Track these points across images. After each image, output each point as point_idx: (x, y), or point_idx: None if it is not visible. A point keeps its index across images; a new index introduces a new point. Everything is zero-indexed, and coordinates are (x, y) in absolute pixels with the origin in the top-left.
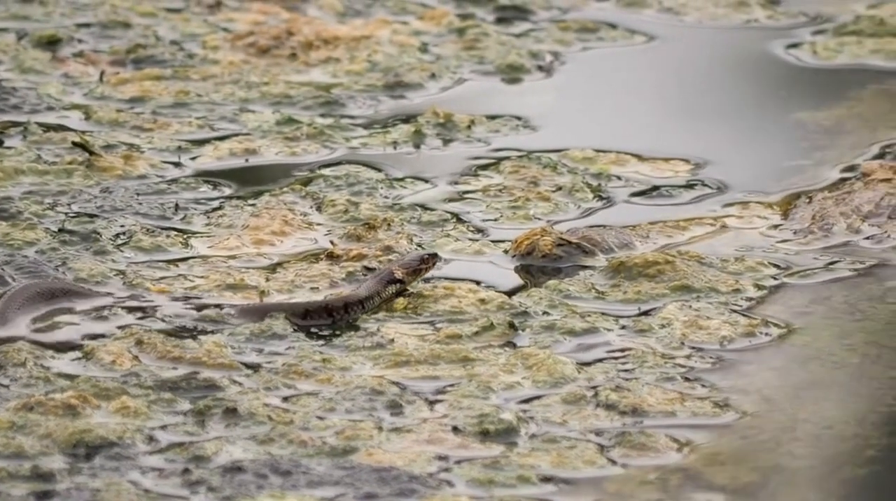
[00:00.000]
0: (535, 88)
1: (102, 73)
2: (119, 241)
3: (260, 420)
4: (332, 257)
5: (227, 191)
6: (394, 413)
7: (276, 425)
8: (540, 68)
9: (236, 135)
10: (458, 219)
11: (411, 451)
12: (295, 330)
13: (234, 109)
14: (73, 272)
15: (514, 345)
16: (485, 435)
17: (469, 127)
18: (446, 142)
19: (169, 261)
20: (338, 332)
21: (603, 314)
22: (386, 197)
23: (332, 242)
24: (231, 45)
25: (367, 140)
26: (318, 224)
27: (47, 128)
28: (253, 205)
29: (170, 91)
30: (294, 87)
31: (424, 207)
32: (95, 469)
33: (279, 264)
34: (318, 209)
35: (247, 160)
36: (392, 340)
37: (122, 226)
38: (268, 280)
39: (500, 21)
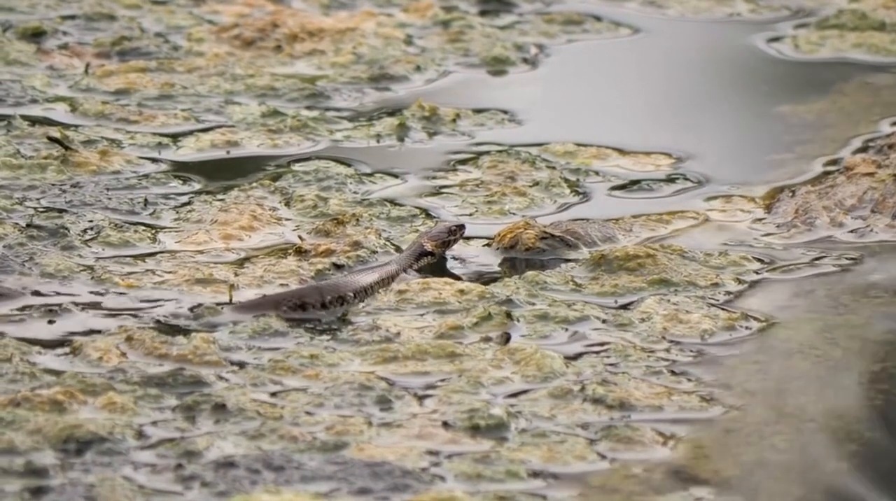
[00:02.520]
0: (520, 80)
1: (87, 66)
2: (87, 236)
3: (249, 416)
4: (300, 252)
5: (197, 186)
6: (383, 408)
7: (266, 420)
8: (525, 60)
9: (221, 127)
10: (426, 214)
11: (402, 446)
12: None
13: (220, 101)
14: (40, 267)
15: (508, 337)
16: (475, 430)
17: (454, 120)
18: (431, 135)
19: (137, 256)
20: (335, 326)
21: (569, 306)
22: (355, 192)
23: (300, 237)
24: (216, 37)
25: (351, 133)
26: (287, 219)
27: (32, 121)
28: (222, 199)
29: (155, 83)
30: (279, 80)
31: (394, 202)
32: (88, 464)
33: (247, 259)
34: (287, 204)
35: (228, 152)
36: (398, 333)
37: (90, 221)
38: (236, 274)
39: (484, 13)
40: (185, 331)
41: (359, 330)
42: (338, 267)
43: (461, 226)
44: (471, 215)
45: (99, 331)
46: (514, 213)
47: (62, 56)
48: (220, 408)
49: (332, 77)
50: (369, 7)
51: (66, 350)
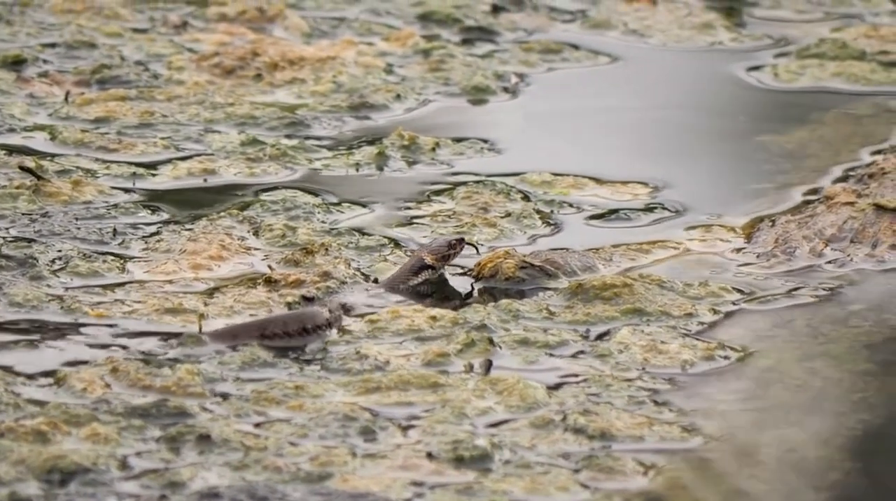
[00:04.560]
0: (500, 109)
1: (67, 94)
2: (56, 266)
3: (233, 447)
4: (269, 282)
5: (166, 216)
6: (367, 439)
7: (250, 451)
8: (505, 89)
9: (200, 155)
10: (395, 243)
11: (386, 477)
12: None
13: (199, 130)
14: (8, 297)
15: (490, 365)
16: (459, 461)
17: (433, 149)
18: (410, 164)
19: (106, 286)
20: (319, 356)
21: (546, 331)
22: (323, 221)
23: (270, 267)
24: (196, 65)
25: (330, 161)
26: (256, 249)
27: (10, 150)
28: (190, 229)
29: (135, 111)
30: (259, 108)
31: (363, 232)
32: (72, 495)
33: (217, 289)
34: (256, 234)
35: (205, 180)
36: (388, 361)
37: (59, 250)
38: (206, 304)
39: (465, 42)
40: (170, 363)
41: (348, 360)
42: (306, 299)
43: (461, 240)
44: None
45: (84, 362)
46: (481, 244)
47: (42, 84)
48: (204, 439)
49: (311, 106)
50: (350, 36)
51: (51, 380)
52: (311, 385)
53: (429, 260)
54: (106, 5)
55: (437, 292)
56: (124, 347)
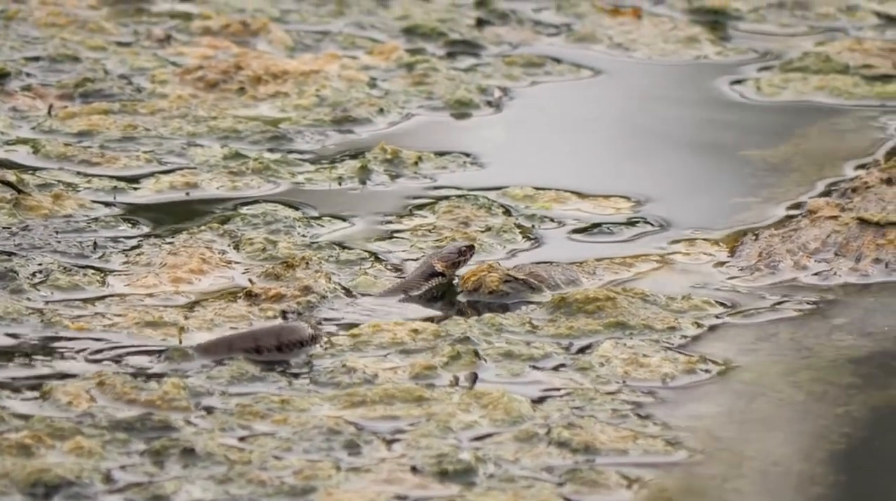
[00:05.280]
0: (483, 124)
1: (51, 107)
2: (36, 280)
3: (218, 461)
4: (250, 296)
5: (146, 229)
6: (351, 452)
7: (234, 465)
8: (489, 103)
9: (182, 168)
10: (376, 257)
11: (370, 491)
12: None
13: (182, 143)
14: None
15: (475, 378)
16: (443, 475)
17: (416, 163)
18: (393, 177)
19: (86, 300)
20: (305, 370)
21: (529, 344)
22: (304, 235)
23: (250, 281)
24: (180, 79)
25: (312, 175)
26: (236, 262)
27: None
28: (171, 243)
29: (118, 125)
30: (242, 122)
31: (343, 246)
32: None
33: (197, 302)
34: (236, 247)
35: (187, 194)
36: (376, 375)
37: (39, 264)
38: (186, 318)
39: (450, 56)
40: (157, 376)
41: (336, 374)
42: (285, 314)
43: (471, 247)
44: (416, 259)
45: (66, 376)
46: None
47: (25, 97)
48: (188, 453)
49: (294, 119)
50: (334, 49)
51: (36, 394)
52: (297, 398)
53: (439, 267)
54: (90, 19)
55: (418, 305)
56: (106, 361)
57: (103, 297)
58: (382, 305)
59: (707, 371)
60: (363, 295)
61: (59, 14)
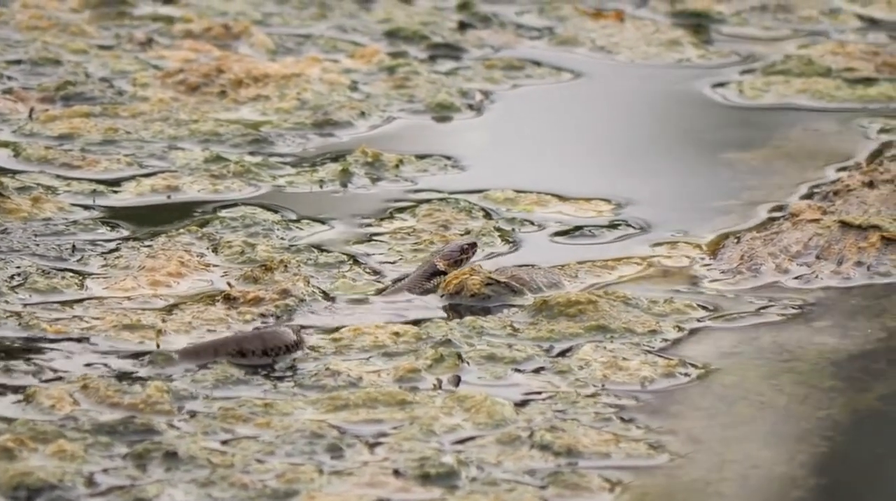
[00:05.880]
0: (464, 127)
1: (32, 110)
2: (14, 283)
3: (200, 464)
4: (228, 299)
5: (125, 233)
6: (334, 456)
7: (217, 468)
8: (470, 107)
9: (163, 172)
10: (354, 260)
11: (353, 494)
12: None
13: (163, 147)
14: None
15: (458, 380)
16: (426, 479)
17: (397, 166)
18: (374, 181)
19: (64, 303)
20: (289, 374)
21: (511, 347)
22: (283, 238)
23: (228, 284)
24: (161, 82)
25: (293, 178)
26: (215, 265)
27: None
28: (150, 246)
29: (98, 128)
30: (223, 125)
31: (322, 249)
32: None
33: (175, 305)
34: (215, 250)
35: (169, 197)
36: (360, 378)
37: (17, 267)
38: (164, 321)
39: (432, 59)
40: (141, 380)
41: (321, 377)
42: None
43: (473, 245)
44: (394, 263)
45: (58, 379)
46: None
47: (6, 101)
48: (170, 456)
49: (276, 123)
50: (315, 53)
51: (19, 397)
52: (280, 402)
53: (441, 265)
54: (72, 22)
55: (398, 308)
56: (86, 364)
57: (81, 300)
58: (362, 308)
59: (686, 374)
60: (366, 296)
61: (41, 17)
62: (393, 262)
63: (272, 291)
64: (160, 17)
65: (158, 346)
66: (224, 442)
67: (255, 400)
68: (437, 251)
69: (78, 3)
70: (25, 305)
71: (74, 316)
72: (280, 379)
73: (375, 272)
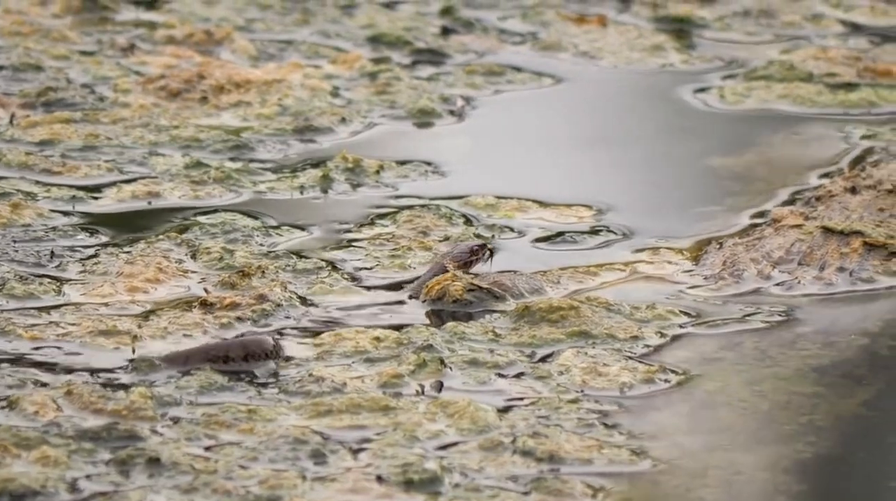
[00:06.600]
0: (445, 133)
1: (13, 116)
2: None
3: (183, 470)
4: (205, 305)
5: (104, 239)
6: (317, 462)
7: (200, 474)
8: (451, 112)
9: (144, 178)
10: (332, 266)
11: (335, 500)
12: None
13: (144, 153)
14: None
15: (441, 385)
16: (409, 485)
17: (377, 172)
18: (355, 187)
19: (41, 309)
20: (272, 380)
21: (493, 352)
22: (262, 244)
23: (205, 290)
24: (142, 88)
25: (274, 184)
26: (193, 271)
27: None
28: (128, 252)
29: (79, 134)
30: (204, 131)
31: (300, 255)
32: None
33: (152, 311)
34: (193, 256)
35: (149, 203)
36: (344, 384)
37: None
38: (140, 327)
39: (415, 64)
40: (125, 386)
41: (305, 383)
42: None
43: (483, 246)
44: (371, 268)
45: (43, 385)
46: (414, 267)
47: None
48: (154, 462)
49: (256, 129)
50: (297, 58)
51: (3, 403)
52: (263, 408)
53: (451, 267)
54: (54, 28)
55: (379, 313)
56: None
57: (59, 306)
58: (342, 313)
59: (666, 380)
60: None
61: (22, 23)
62: (370, 268)
63: (249, 296)
64: (142, 22)
65: (134, 351)
66: (207, 449)
67: (239, 406)
68: (446, 253)
69: (60, 9)
70: (2, 311)
71: (51, 322)
72: (264, 385)
73: (353, 278)
